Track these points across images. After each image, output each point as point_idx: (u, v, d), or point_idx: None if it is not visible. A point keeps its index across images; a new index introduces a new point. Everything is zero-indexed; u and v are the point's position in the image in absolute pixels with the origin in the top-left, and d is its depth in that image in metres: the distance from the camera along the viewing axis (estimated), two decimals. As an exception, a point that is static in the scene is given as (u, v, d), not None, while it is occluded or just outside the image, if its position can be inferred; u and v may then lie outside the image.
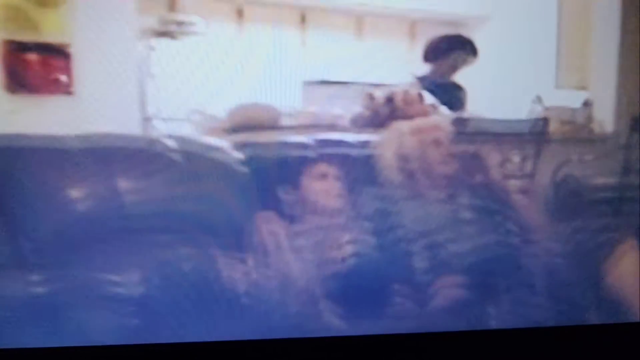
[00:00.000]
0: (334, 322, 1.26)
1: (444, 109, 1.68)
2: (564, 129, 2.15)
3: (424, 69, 1.71)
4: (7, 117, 1.36)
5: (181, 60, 1.44)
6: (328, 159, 1.48)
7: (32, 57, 1.42)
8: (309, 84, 1.59)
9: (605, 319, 1.35)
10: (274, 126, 1.54)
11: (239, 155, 1.45)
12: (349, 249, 1.41)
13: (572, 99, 1.95)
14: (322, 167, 1.46)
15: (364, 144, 1.56)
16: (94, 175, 1.32)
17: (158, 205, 1.35)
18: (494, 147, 1.89)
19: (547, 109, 1.88)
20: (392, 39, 1.78)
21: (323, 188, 1.45)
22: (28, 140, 1.31)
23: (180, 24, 1.57)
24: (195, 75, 1.43)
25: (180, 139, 1.41)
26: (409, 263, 1.39)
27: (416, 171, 1.52)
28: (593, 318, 1.35)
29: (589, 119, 2.08)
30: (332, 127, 1.60)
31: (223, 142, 1.50)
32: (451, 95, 1.70)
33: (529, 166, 2.10)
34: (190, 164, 1.39)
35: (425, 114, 1.61)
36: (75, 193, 1.32)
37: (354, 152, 1.55)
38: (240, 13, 1.77)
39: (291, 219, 1.41)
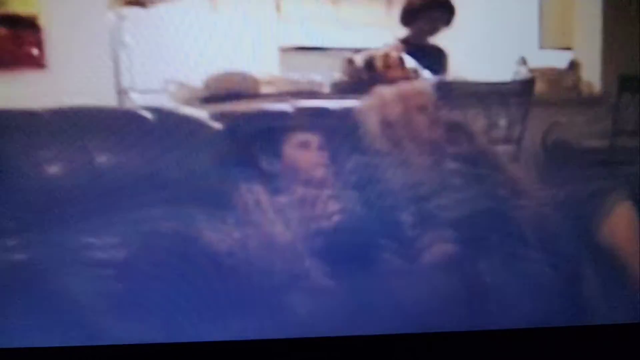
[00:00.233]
0: (321, 281, 1.25)
1: (426, 73, 1.66)
2: (551, 90, 2.13)
3: (403, 32, 1.69)
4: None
5: (154, 29, 1.42)
6: (309, 126, 1.47)
7: (1, 31, 1.40)
8: (286, 50, 1.58)
9: (600, 274, 1.34)
10: (252, 94, 1.52)
11: (217, 125, 1.43)
12: (335, 218, 1.39)
13: (558, 60, 1.93)
14: (304, 135, 1.44)
15: (346, 111, 1.54)
16: (71, 149, 1.31)
17: (136, 177, 1.34)
18: (480, 110, 1.87)
19: (532, 70, 1.86)
20: (369, 3, 1.75)
21: (306, 156, 1.44)
22: (1, 116, 1.30)
23: (150, -9, 1.54)
24: (169, 44, 1.41)
25: (157, 110, 1.40)
26: (397, 220, 1.38)
27: (402, 138, 1.50)
28: (589, 273, 1.34)
29: (577, 79, 2.05)
30: (313, 94, 1.58)
31: (201, 112, 1.48)
32: (432, 59, 1.67)
33: (517, 130, 2.08)
34: (168, 135, 1.38)
35: (407, 78, 1.59)
36: (53, 168, 1.31)
37: (335, 119, 1.53)
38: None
39: (275, 189, 1.40)
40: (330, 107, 1.56)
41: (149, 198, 1.31)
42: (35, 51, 1.43)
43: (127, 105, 1.47)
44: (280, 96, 1.54)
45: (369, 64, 1.57)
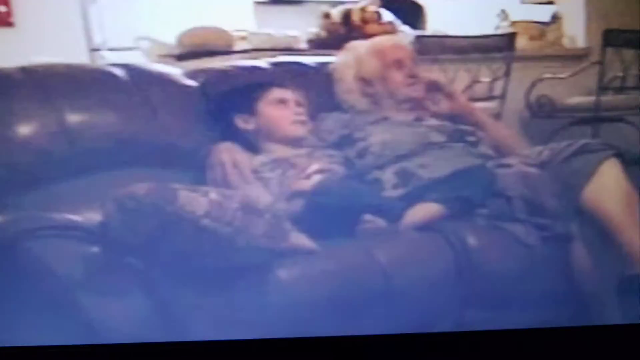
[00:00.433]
0: (303, 242, 1.23)
1: (404, 28, 1.64)
2: (534, 45, 2.11)
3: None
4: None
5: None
6: (286, 83, 1.44)
7: (-35, -12, 1.37)
8: (261, 4, 1.54)
9: (585, 235, 1.33)
10: (226, 50, 1.49)
11: (192, 82, 1.41)
12: (316, 177, 1.38)
13: (540, 14, 1.91)
14: (280, 92, 1.41)
15: (324, 67, 1.51)
16: (41, 109, 1.28)
17: (110, 136, 1.32)
18: (461, 65, 1.85)
19: (513, 23, 1.84)
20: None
21: (282, 114, 1.41)
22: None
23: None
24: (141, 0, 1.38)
25: (130, 68, 1.37)
26: (378, 183, 1.36)
27: (378, 94, 1.48)
28: (575, 233, 1.33)
29: (559, 34, 2.03)
30: (289, 50, 1.56)
31: (174, 69, 1.46)
32: (410, 13, 1.65)
33: (500, 86, 2.07)
34: (142, 92, 1.35)
35: (384, 32, 1.57)
36: (22, 129, 1.28)
37: (312, 75, 1.51)
38: None
39: (251, 147, 1.38)
40: (307, 63, 1.54)
41: (121, 158, 1.29)
42: (2, 8, 1.40)
43: (99, 62, 1.44)
44: (255, 52, 1.52)
45: (346, 18, 1.54)
